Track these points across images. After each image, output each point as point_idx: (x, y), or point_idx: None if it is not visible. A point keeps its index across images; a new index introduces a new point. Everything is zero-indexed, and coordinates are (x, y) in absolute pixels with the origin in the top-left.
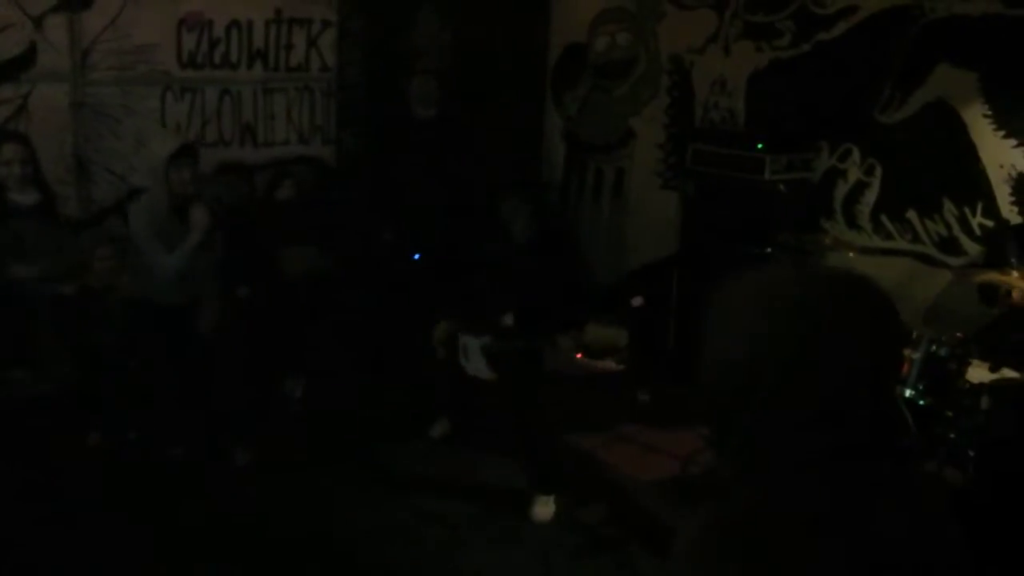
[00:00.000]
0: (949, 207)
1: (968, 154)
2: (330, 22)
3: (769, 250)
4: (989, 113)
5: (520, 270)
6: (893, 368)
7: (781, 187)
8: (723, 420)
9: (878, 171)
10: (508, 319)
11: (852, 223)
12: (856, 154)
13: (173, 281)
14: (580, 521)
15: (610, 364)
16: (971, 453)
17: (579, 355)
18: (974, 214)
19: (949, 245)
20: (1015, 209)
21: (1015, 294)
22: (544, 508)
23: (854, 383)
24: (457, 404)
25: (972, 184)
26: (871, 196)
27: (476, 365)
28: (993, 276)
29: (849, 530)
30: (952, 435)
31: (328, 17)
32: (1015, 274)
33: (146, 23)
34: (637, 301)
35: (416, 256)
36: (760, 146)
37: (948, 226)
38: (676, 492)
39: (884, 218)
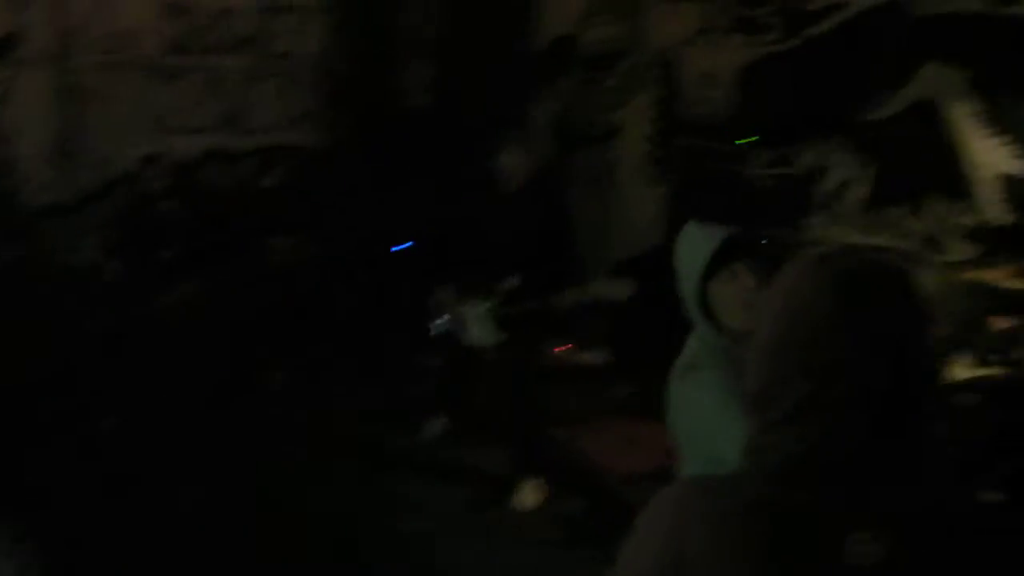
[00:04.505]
0: (935, 205)
1: (953, 153)
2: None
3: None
4: (976, 112)
5: (512, 224)
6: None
7: (766, 182)
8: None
9: (863, 168)
10: (513, 280)
11: (837, 219)
12: (841, 151)
13: None
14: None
15: (592, 358)
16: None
17: (558, 349)
18: (958, 213)
19: (933, 243)
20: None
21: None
22: (531, 495)
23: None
24: (455, 391)
25: (956, 183)
26: (857, 192)
27: (476, 333)
28: (982, 273)
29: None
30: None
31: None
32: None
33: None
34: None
35: (400, 247)
36: (746, 140)
37: (934, 224)
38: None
39: (870, 214)
